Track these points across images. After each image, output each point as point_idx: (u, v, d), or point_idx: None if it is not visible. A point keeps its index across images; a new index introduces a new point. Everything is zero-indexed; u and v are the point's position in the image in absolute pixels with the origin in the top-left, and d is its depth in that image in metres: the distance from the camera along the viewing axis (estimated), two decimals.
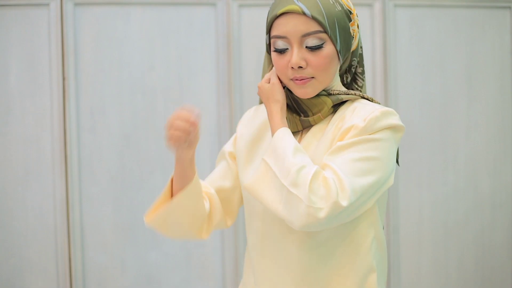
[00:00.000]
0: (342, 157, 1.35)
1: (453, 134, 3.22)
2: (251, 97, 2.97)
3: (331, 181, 1.30)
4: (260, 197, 1.39)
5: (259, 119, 1.59)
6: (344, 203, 1.29)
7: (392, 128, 1.40)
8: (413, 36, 3.17)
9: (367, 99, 1.48)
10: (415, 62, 3.17)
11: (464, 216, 3.25)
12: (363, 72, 1.54)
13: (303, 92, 1.43)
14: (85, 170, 2.93)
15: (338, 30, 1.42)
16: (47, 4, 2.87)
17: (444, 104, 3.21)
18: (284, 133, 1.40)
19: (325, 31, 1.40)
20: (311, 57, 1.41)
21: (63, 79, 2.90)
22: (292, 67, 1.41)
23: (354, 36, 1.47)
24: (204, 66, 3.01)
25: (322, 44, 1.40)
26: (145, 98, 2.97)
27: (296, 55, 1.40)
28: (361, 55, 1.54)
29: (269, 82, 1.48)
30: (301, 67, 1.41)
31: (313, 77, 1.42)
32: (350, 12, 1.46)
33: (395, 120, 1.40)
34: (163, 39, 2.98)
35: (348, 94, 1.47)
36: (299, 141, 1.49)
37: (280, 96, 1.45)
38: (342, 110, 1.46)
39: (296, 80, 1.42)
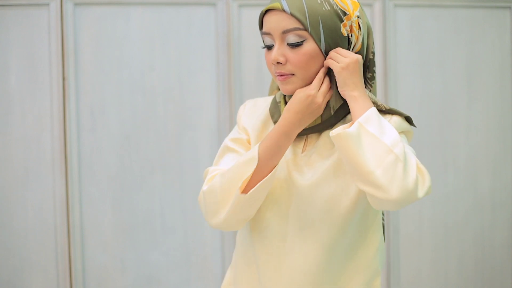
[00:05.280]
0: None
1: (453, 134, 3.22)
2: (251, 97, 2.97)
3: (421, 165, 1.37)
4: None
5: (260, 113, 1.59)
6: (430, 186, 1.38)
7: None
8: (413, 36, 3.17)
9: (376, 102, 1.48)
10: (415, 62, 3.17)
11: (464, 216, 3.25)
12: (372, 78, 1.53)
13: (283, 88, 1.46)
14: (85, 170, 2.93)
15: (323, 29, 1.42)
16: (47, 4, 2.87)
17: (444, 104, 3.21)
18: (376, 110, 1.40)
19: (305, 29, 1.41)
20: (290, 53, 1.43)
21: (63, 79, 2.90)
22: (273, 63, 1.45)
23: (349, 37, 1.46)
24: (204, 66, 3.00)
25: (302, 41, 1.42)
26: (145, 98, 2.97)
27: (275, 51, 1.43)
28: (371, 60, 1.52)
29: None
30: (279, 63, 1.43)
31: (293, 74, 1.44)
32: (344, 13, 1.44)
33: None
34: (163, 39, 2.98)
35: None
36: (307, 143, 1.51)
37: None
38: None
39: (279, 76, 1.45)
